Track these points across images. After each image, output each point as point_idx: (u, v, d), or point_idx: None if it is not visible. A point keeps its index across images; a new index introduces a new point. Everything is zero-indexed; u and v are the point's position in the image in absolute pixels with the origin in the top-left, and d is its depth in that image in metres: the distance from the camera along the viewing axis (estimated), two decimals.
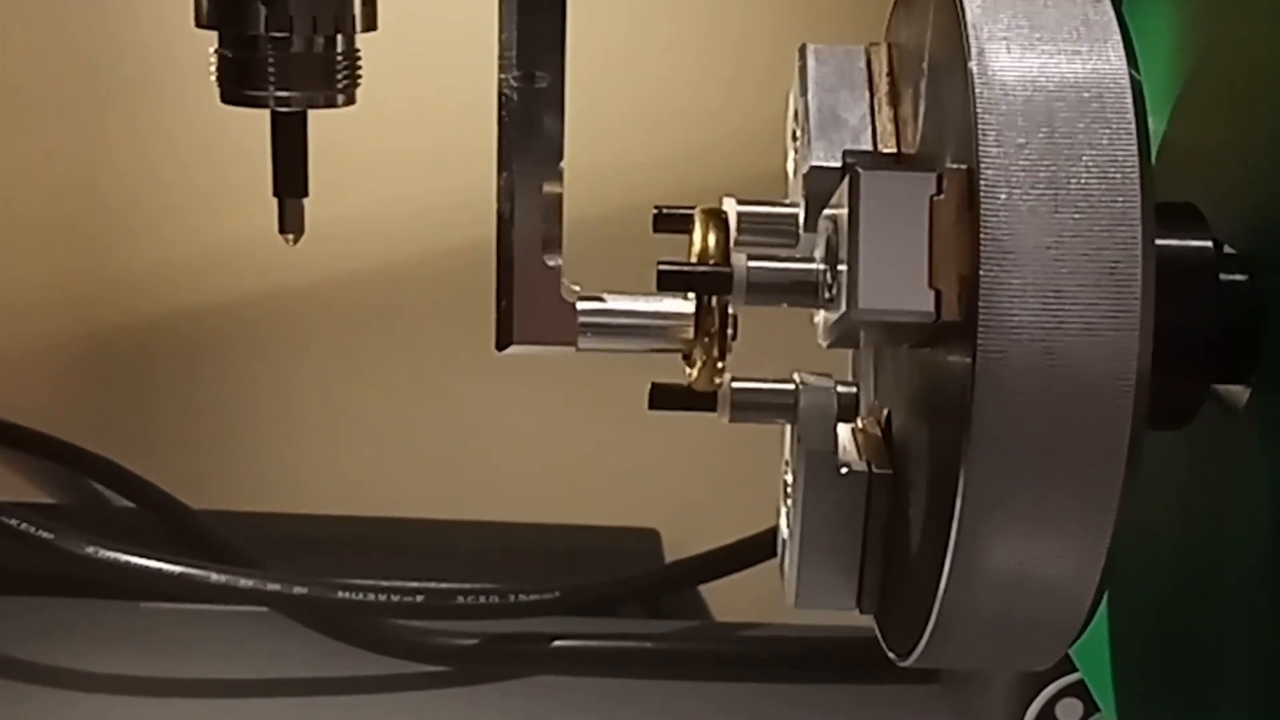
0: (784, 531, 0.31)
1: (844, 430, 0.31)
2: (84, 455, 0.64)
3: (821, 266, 0.30)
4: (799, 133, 0.33)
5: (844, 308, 0.28)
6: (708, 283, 0.30)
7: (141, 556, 0.54)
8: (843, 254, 0.28)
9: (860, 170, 0.28)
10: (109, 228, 0.63)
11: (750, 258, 0.30)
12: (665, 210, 0.32)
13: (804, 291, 0.30)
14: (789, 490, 0.31)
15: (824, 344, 0.31)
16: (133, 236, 0.63)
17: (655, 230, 0.32)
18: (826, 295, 0.30)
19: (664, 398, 0.32)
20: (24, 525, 0.53)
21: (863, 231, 0.27)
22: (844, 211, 0.28)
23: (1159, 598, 0.35)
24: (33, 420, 0.63)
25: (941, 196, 0.27)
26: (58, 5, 0.60)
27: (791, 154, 0.34)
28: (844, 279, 0.28)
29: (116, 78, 0.61)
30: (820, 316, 0.31)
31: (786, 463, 0.31)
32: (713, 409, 0.32)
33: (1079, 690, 0.48)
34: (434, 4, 0.58)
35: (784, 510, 0.32)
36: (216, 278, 0.63)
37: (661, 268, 0.30)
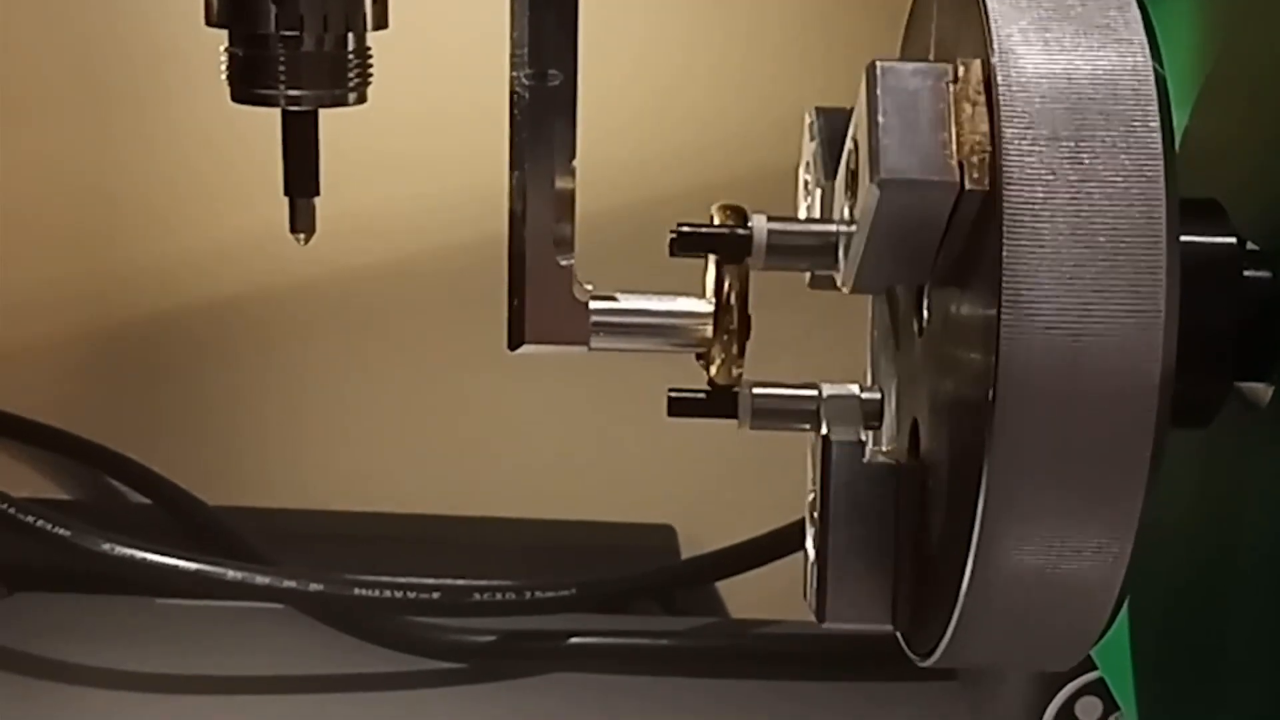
0: (810, 553, 0.31)
1: (869, 450, 0.30)
2: (100, 451, 0.64)
3: (841, 226, 0.30)
4: (810, 182, 0.33)
5: (869, 183, 0.27)
6: (727, 244, 0.30)
7: (157, 553, 0.54)
8: (863, 162, 0.28)
9: (876, 62, 0.28)
10: (121, 225, 0.63)
11: (770, 219, 0.30)
12: (682, 230, 0.31)
13: (824, 253, 0.30)
14: (814, 505, 0.31)
15: (847, 286, 0.30)
16: (145, 233, 0.63)
17: (672, 255, 0.31)
18: (847, 229, 0.29)
19: (683, 406, 0.31)
20: (40, 522, 0.53)
21: (882, 112, 0.27)
22: (862, 112, 0.28)
23: (1180, 596, 0.35)
24: (48, 416, 0.64)
25: (958, 83, 0.27)
26: (67, 3, 0.60)
27: (803, 204, 0.34)
28: (865, 175, 0.28)
29: (127, 75, 0.61)
30: (840, 270, 0.31)
31: (812, 481, 0.31)
32: (733, 416, 0.31)
33: (1099, 688, 0.48)
34: (445, 2, 0.57)
35: (810, 531, 0.31)
36: (231, 274, 0.63)
37: (681, 229, 0.30)
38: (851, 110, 0.29)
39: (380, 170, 0.61)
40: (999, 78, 0.26)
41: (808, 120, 0.33)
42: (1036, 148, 0.26)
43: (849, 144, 0.30)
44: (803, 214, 0.34)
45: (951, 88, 0.27)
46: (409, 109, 0.58)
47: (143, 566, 0.53)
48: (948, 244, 0.28)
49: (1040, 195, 0.26)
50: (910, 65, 0.28)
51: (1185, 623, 0.34)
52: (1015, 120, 0.26)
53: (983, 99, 0.26)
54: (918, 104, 0.27)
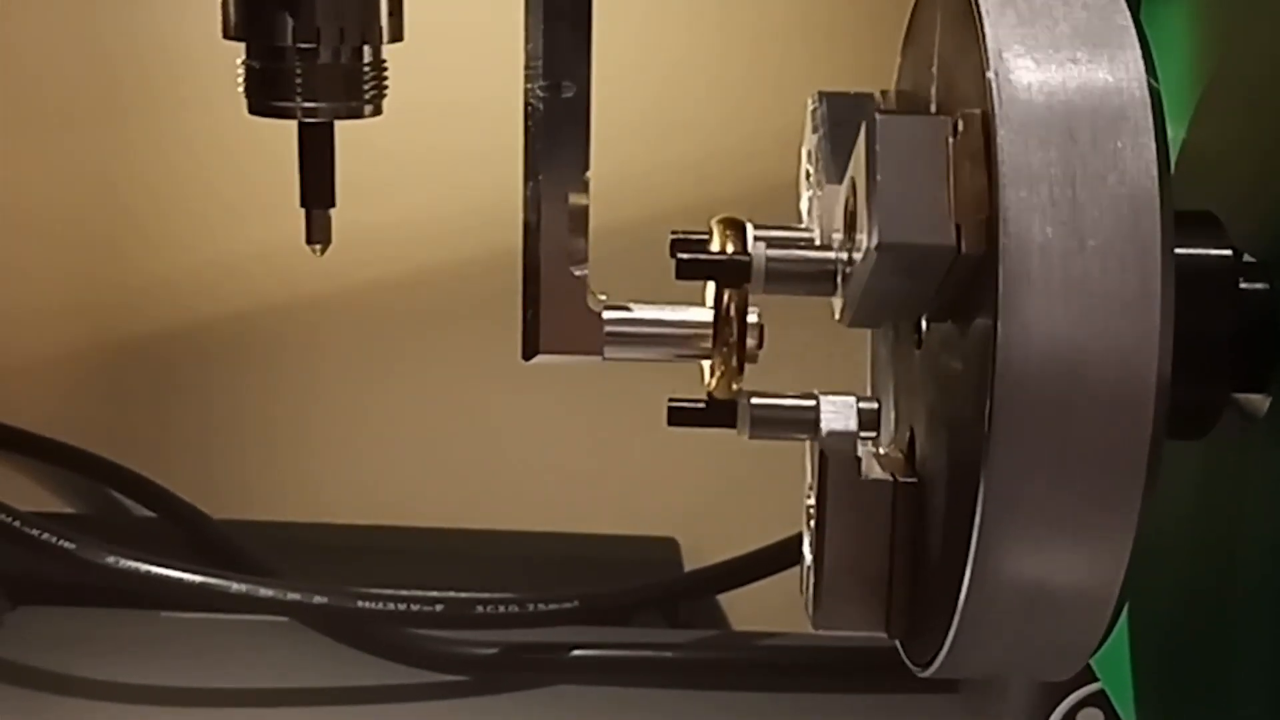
0: (807, 557, 0.31)
1: (867, 454, 0.31)
2: (104, 465, 0.64)
3: (840, 255, 0.30)
4: (812, 173, 0.33)
5: (866, 244, 0.27)
6: (727, 271, 0.30)
7: (162, 566, 0.54)
8: (861, 212, 0.28)
9: (876, 115, 0.28)
10: (131, 237, 0.63)
11: (769, 246, 0.30)
12: (681, 257, 0.31)
13: (823, 280, 0.31)
14: (811, 511, 0.31)
15: (845, 322, 0.31)
16: (155, 245, 0.63)
17: (678, 270, 0.31)
18: (845, 260, 0.30)
19: (683, 416, 0.32)
20: (45, 535, 0.53)
21: (880, 170, 0.27)
22: (861, 163, 0.28)
23: (1180, 607, 0.35)
24: (54, 429, 0.64)
25: (957, 138, 0.27)
26: (81, 14, 0.61)
27: (805, 194, 0.34)
28: (863, 232, 0.28)
29: (139, 86, 0.61)
30: (839, 299, 0.31)
31: (810, 487, 0.31)
32: (732, 425, 0.31)
33: (1100, 700, 0.48)
34: (460, 13, 0.58)
35: (807, 536, 0.31)
36: (237, 286, 0.63)
37: (681, 256, 0.30)
38: (854, 96, 0.30)
39: (392, 182, 0.61)
40: (999, 136, 0.26)
41: (810, 106, 0.33)
42: (1033, 206, 0.26)
43: (847, 184, 0.30)
44: (804, 205, 0.34)
45: (951, 141, 0.27)
46: (423, 120, 0.58)
47: (147, 579, 0.53)
48: (944, 287, 0.28)
49: (1037, 249, 0.26)
50: (910, 119, 0.28)
51: (1186, 634, 0.34)
52: (1014, 185, 0.26)
53: (982, 155, 0.27)
54: (917, 160, 0.27)
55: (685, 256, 0.30)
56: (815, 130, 0.33)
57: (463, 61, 0.58)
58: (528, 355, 0.31)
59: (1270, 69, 0.32)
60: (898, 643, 0.31)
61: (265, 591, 0.54)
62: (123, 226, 0.63)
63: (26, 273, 0.63)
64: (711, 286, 0.31)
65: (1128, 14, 0.28)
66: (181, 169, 0.62)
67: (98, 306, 0.64)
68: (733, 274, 0.30)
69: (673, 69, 0.61)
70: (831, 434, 0.31)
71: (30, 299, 0.63)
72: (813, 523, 0.30)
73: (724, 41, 0.61)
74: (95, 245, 0.63)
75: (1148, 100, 0.27)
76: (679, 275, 0.30)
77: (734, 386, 0.31)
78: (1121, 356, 0.26)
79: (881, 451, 0.32)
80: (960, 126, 0.27)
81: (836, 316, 0.31)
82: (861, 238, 0.28)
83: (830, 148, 0.32)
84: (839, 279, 0.31)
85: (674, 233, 0.31)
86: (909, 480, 0.30)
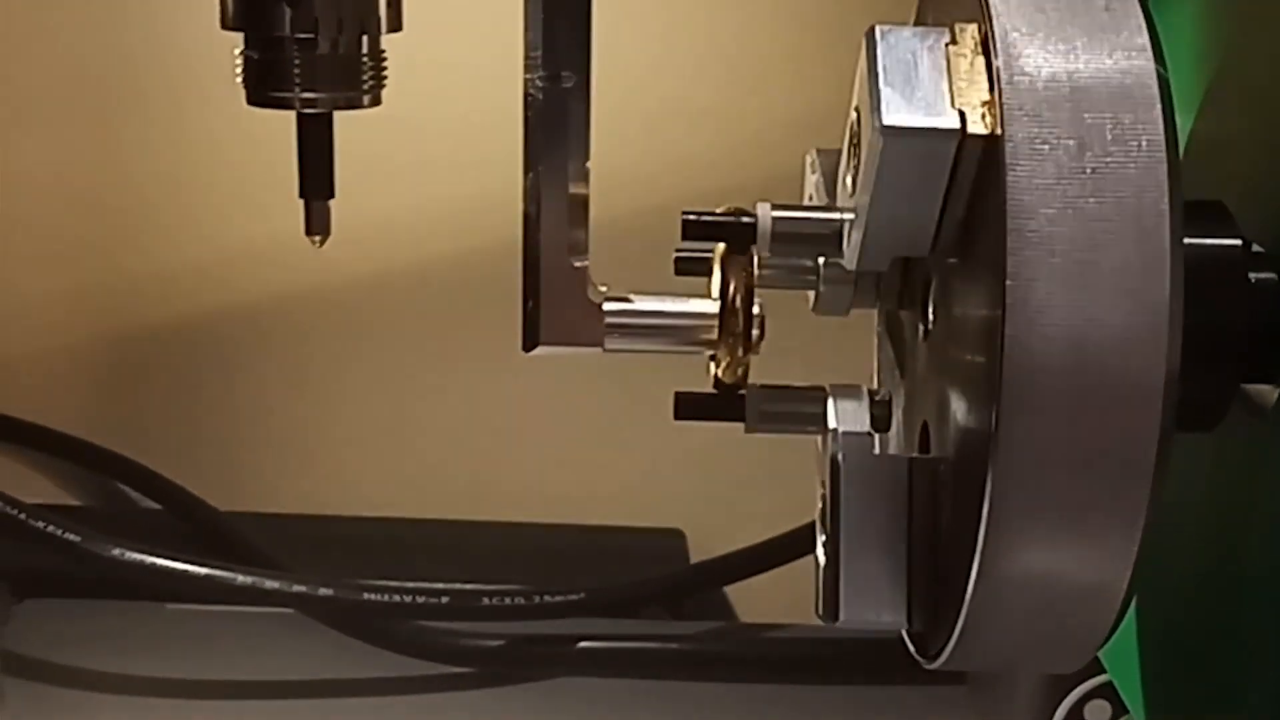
0: (820, 557, 0.31)
1: (878, 449, 0.31)
2: (109, 457, 0.64)
3: (845, 216, 0.30)
4: (814, 199, 0.33)
5: (872, 134, 0.28)
6: (733, 232, 0.30)
7: (167, 558, 0.54)
8: (865, 121, 0.28)
9: (875, 26, 0.28)
10: (134, 231, 0.63)
11: (775, 207, 0.31)
12: (688, 218, 0.31)
13: (829, 240, 0.31)
14: (824, 512, 0.31)
15: (853, 262, 0.31)
16: (158, 239, 0.63)
17: (684, 230, 0.31)
18: (851, 217, 0.30)
19: (690, 408, 0.32)
20: (50, 527, 0.53)
21: (882, 71, 0.28)
22: (863, 75, 0.29)
23: (1187, 599, 0.35)
24: (58, 422, 0.64)
25: (955, 44, 0.28)
26: (75, 10, 0.61)
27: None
28: (867, 133, 0.28)
29: (137, 81, 0.61)
30: (846, 245, 0.31)
31: (822, 483, 0.31)
32: (740, 418, 0.31)
33: (1107, 692, 0.48)
34: (458, 4, 0.58)
35: (820, 535, 0.31)
36: (241, 280, 0.63)
37: (687, 217, 0.30)
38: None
39: (393, 174, 0.61)
40: (995, 35, 0.27)
41: (809, 159, 0.33)
42: (1033, 89, 0.26)
43: (851, 114, 0.30)
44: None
45: (950, 48, 0.28)
46: (421, 111, 0.58)
47: (152, 571, 0.53)
48: (949, 213, 0.28)
49: (1039, 137, 0.26)
50: (909, 29, 0.29)
51: (1193, 626, 0.34)
52: (1018, 118, 0.26)
53: (980, 50, 0.27)
54: (917, 61, 0.28)
55: (691, 218, 0.30)
56: (814, 173, 0.33)
57: (462, 51, 0.58)
58: (528, 346, 0.31)
59: (1277, 59, 0.31)
60: (905, 635, 0.31)
61: (270, 584, 0.54)
62: (127, 220, 0.63)
63: (30, 266, 0.63)
64: (716, 276, 0.31)
65: (1137, 8, 0.28)
66: (184, 162, 0.62)
67: (101, 300, 0.64)
68: (739, 234, 0.30)
69: (681, 63, 0.61)
70: (844, 418, 0.31)
71: (34, 293, 0.63)
72: (825, 521, 0.30)
73: (735, 32, 0.61)
74: (100, 239, 0.63)
75: (1155, 81, 0.27)
76: (684, 235, 0.30)
77: (740, 372, 0.31)
78: (1130, 347, 0.26)
79: (893, 451, 0.32)
80: (956, 33, 0.28)
81: (845, 261, 0.31)
82: (867, 134, 0.28)
83: (829, 186, 0.32)
84: (845, 236, 0.30)
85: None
86: (924, 457, 0.30)
